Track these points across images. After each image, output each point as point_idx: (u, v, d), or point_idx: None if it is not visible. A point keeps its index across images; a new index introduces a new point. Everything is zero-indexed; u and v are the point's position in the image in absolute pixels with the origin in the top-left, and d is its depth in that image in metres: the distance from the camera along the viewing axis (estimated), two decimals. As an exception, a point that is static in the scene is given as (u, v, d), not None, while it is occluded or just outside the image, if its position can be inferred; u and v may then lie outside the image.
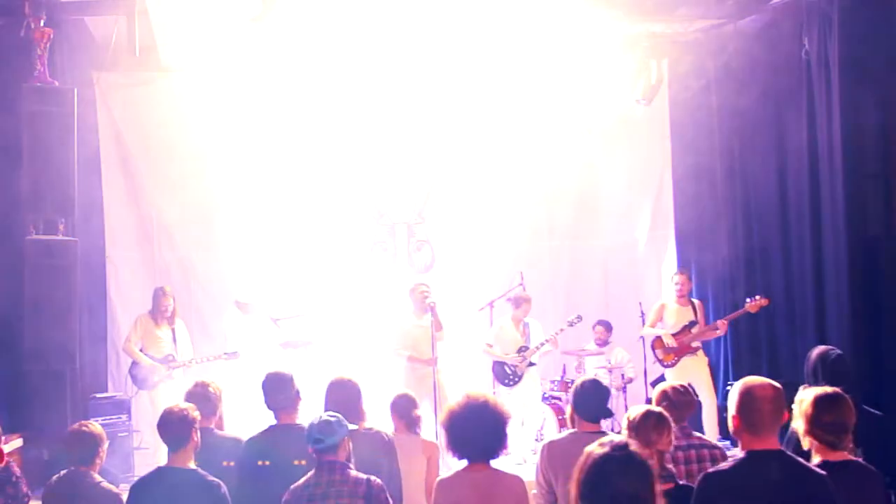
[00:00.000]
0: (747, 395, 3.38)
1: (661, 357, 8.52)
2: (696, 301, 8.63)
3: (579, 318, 8.90)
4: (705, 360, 8.50)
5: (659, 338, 8.52)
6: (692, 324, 8.42)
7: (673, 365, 8.45)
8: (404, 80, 9.52)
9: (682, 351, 8.40)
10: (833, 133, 7.71)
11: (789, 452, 3.43)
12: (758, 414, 3.33)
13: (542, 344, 8.74)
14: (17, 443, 7.35)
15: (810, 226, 8.11)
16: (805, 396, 3.78)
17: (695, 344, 8.42)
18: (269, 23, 7.35)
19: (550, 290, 10.26)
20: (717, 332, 8.38)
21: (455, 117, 9.84)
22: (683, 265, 9.49)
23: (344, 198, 10.12)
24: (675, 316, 8.53)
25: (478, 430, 3.99)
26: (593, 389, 4.74)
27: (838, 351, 5.72)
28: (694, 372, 8.28)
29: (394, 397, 5.64)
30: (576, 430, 4.71)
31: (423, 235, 10.28)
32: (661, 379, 9.11)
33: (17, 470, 4.79)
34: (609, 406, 4.82)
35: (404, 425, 5.50)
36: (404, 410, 5.52)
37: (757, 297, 8.10)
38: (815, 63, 7.89)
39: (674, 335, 8.43)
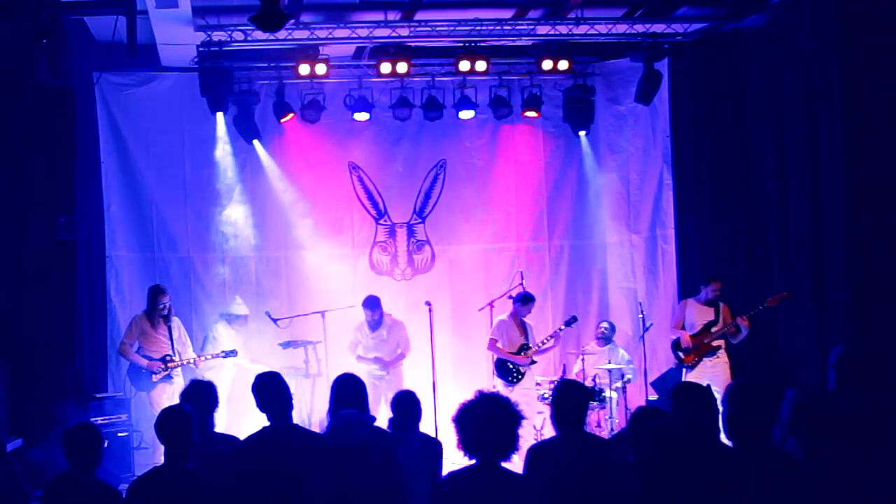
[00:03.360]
0: None
1: (681, 358, 8.48)
2: (721, 303, 8.48)
3: (574, 318, 8.95)
4: (727, 362, 8.35)
5: (678, 339, 8.50)
6: (712, 324, 8.37)
7: (693, 366, 8.37)
8: (405, 79, 9.52)
9: (701, 351, 8.34)
10: (833, 132, 7.69)
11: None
12: None
13: (545, 344, 8.72)
14: (16, 443, 7.36)
15: (811, 225, 8.09)
16: None
17: (715, 343, 8.32)
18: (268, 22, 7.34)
19: (550, 290, 10.26)
20: (739, 331, 8.16)
21: (455, 116, 9.83)
22: (684, 264, 9.49)
23: (344, 197, 10.12)
24: (697, 316, 8.47)
25: (491, 429, 3.81)
26: (569, 392, 4.61)
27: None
28: (712, 373, 8.20)
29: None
30: (556, 434, 4.56)
31: (423, 235, 10.27)
32: (661, 377, 9.12)
33: (17, 469, 4.79)
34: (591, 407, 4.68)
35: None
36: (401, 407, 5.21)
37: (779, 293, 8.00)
38: (816, 62, 7.88)
39: (692, 336, 8.40)
